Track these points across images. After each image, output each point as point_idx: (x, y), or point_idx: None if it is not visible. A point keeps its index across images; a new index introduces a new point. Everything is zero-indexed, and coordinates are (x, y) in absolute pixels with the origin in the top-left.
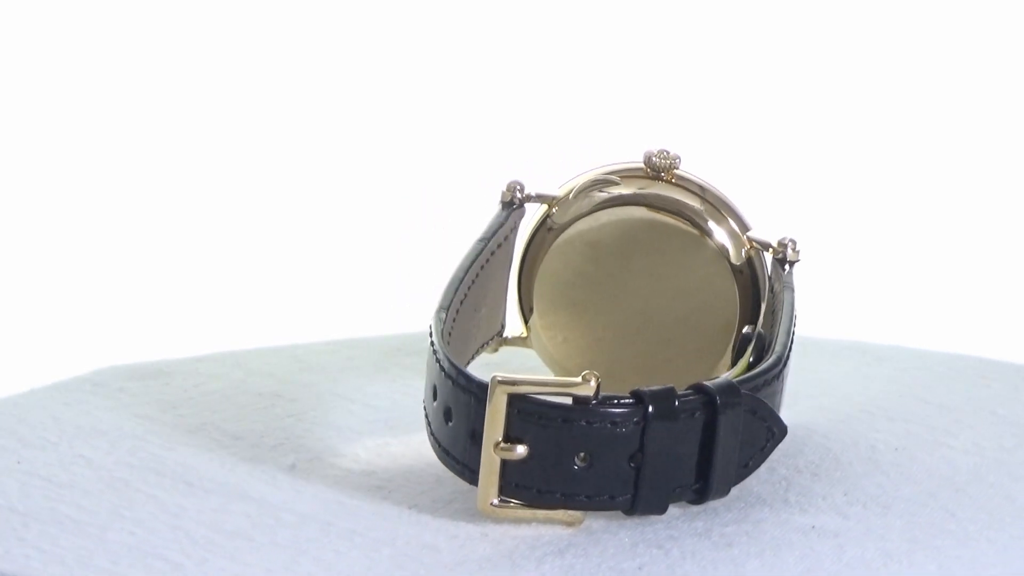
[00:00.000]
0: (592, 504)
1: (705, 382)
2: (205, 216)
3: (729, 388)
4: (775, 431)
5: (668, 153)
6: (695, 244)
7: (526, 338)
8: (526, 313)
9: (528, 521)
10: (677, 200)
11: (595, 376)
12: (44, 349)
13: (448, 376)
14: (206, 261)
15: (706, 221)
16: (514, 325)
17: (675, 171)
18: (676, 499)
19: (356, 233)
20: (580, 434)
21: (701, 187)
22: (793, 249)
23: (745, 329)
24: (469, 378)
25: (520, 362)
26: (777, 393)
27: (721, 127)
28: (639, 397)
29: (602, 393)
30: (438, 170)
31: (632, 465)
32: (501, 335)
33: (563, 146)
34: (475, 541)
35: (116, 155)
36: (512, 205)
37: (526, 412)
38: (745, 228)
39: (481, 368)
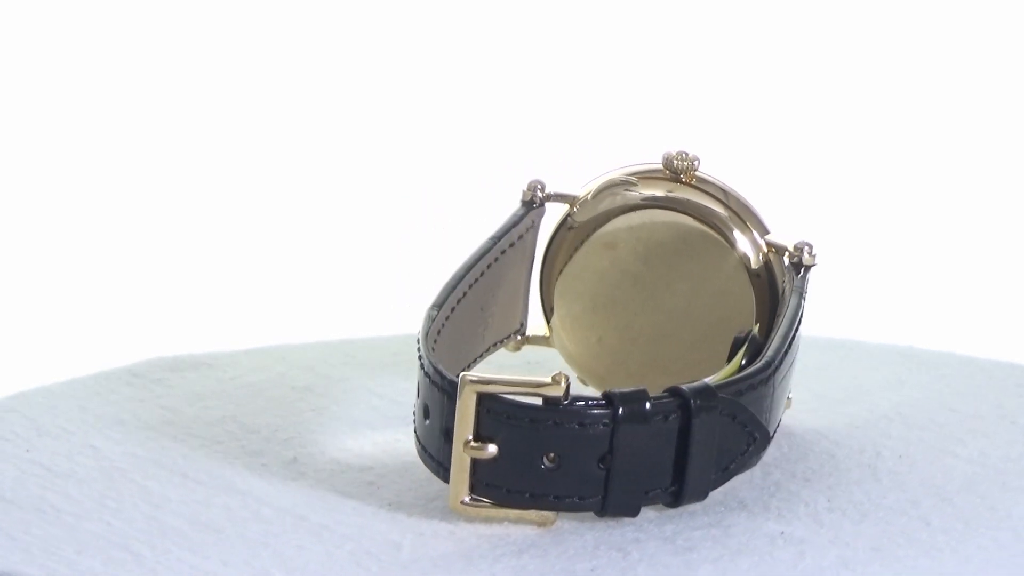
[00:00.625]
0: (561, 505)
1: (681, 385)
2: (277, 213)
3: (705, 391)
4: (757, 436)
5: (687, 155)
6: (723, 250)
7: (548, 337)
8: (547, 312)
9: (500, 520)
10: (708, 207)
11: (565, 377)
12: (109, 341)
13: (426, 373)
14: (278, 256)
15: (731, 230)
16: (535, 323)
17: (694, 173)
18: (651, 502)
19: (417, 231)
20: (548, 434)
21: (723, 191)
22: (809, 253)
23: (743, 332)
24: (443, 375)
25: (561, 362)
26: (766, 398)
27: (745, 126)
28: (609, 399)
29: (572, 394)
30: (491, 173)
31: (602, 467)
32: (522, 333)
33: (573, 147)
34: (440, 539)
35: (177, 165)
36: (532, 204)
37: (496, 411)
38: (764, 232)
39: (514, 367)
